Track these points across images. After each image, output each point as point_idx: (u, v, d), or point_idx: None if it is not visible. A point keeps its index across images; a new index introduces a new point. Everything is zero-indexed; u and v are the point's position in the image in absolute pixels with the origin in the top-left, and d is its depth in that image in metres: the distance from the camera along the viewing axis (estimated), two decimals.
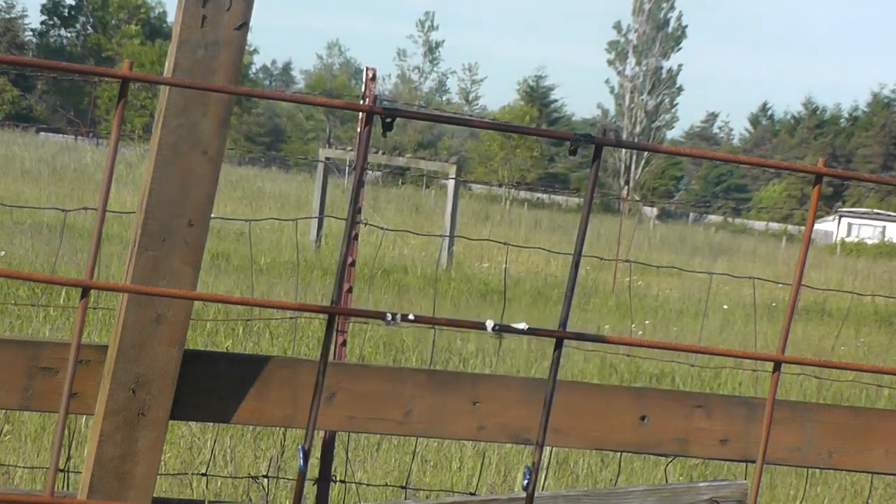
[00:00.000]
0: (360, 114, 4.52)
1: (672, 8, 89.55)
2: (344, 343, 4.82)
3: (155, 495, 2.90)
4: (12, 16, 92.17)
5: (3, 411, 6.38)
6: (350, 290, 5.02)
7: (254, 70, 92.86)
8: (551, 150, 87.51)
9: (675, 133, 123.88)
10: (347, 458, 6.09)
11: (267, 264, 17.41)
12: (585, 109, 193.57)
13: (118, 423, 2.79)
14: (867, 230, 75.89)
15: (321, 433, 4.44)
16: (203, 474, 5.72)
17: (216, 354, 3.05)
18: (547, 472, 7.08)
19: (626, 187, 34.75)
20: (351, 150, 23.36)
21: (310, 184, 35.63)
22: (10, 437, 6.73)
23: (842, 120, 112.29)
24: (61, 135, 56.32)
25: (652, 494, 3.41)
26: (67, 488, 4.54)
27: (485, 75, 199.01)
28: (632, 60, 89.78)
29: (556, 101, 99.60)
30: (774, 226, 76.56)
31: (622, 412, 3.19)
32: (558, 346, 0.99)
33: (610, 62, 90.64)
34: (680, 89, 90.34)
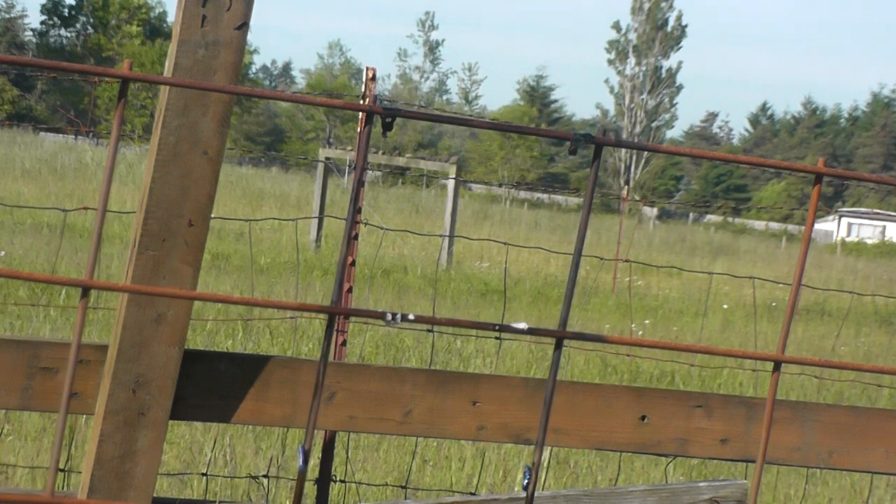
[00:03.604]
0: (360, 114, 4.52)
1: (671, 7, 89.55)
2: (344, 343, 4.82)
3: (155, 495, 2.90)
4: (12, 16, 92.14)
5: (4, 411, 6.39)
6: (350, 290, 5.02)
7: (254, 70, 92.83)
8: (551, 150, 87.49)
9: (674, 133, 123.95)
10: (347, 458, 6.09)
11: (267, 264, 17.41)
12: (585, 109, 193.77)
13: (118, 423, 2.79)
14: (867, 230, 75.93)
15: (321, 433, 4.44)
16: (203, 474, 5.72)
17: (216, 354, 3.05)
18: (547, 472, 7.08)
19: (626, 187, 34.73)
20: (351, 150, 23.36)
21: (310, 184, 35.63)
22: (11, 437, 6.73)
23: (842, 120, 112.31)
24: (61, 135, 56.30)
25: (652, 494, 3.41)
26: (67, 488, 4.55)
27: (485, 75, 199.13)
28: (631, 60, 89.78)
29: (556, 101, 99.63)
30: (774, 226, 76.56)
31: (622, 412, 3.19)
32: (558, 345, 0.99)
33: (610, 62, 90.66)
34: (679, 87, 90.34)
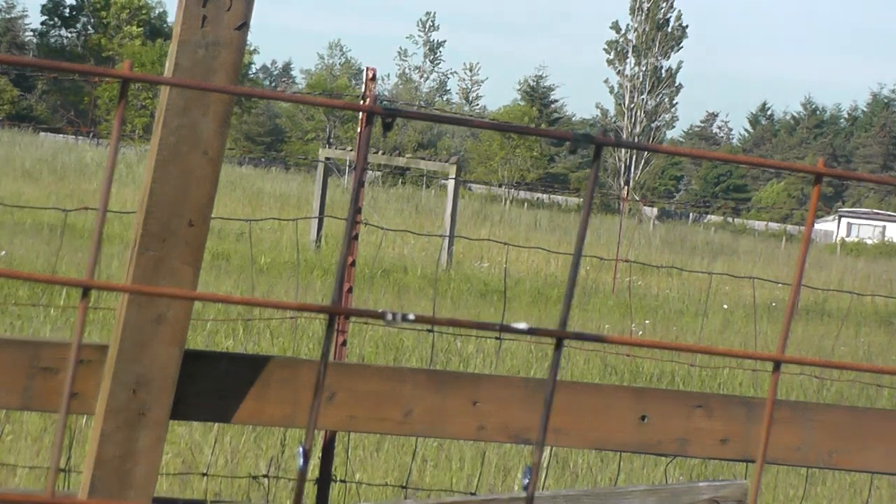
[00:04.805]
0: (360, 114, 4.52)
1: (671, 7, 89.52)
2: (344, 343, 4.82)
3: (155, 495, 2.90)
4: (12, 16, 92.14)
5: (4, 411, 6.39)
6: (350, 290, 5.03)
7: (254, 70, 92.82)
8: (551, 150, 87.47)
9: (674, 133, 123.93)
10: (347, 458, 6.09)
11: (267, 264, 17.41)
12: (585, 109, 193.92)
13: (118, 423, 2.79)
14: (867, 230, 75.94)
15: (321, 433, 4.44)
16: (203, 474, 5.72)
17: (216, 354, 3.05)
18: (547, 472, 7.08)
19: (626, 187, 34.70)
20: (351, 150, 23.35)
21: (310, 184, 35.63)
22: (11, 437, 6.73)
23: (841, 120, 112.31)
24: (61, 135, 56.32)
25: (652, 494, 3.41)
26: (67, 488, 4.55)
27: (486, 76, 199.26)
28: (631, 60, 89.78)
29: (556, 101, 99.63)
30: (774, 226, 76.57)
31: (622, 412, 3.19)
32: (558, 345, 0.99)
33: (609, 62, 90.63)
34: (679, 87, 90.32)
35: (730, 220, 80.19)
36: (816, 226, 76.14)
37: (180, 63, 2.69)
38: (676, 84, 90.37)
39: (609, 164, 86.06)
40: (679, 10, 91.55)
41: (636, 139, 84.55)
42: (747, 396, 3.33)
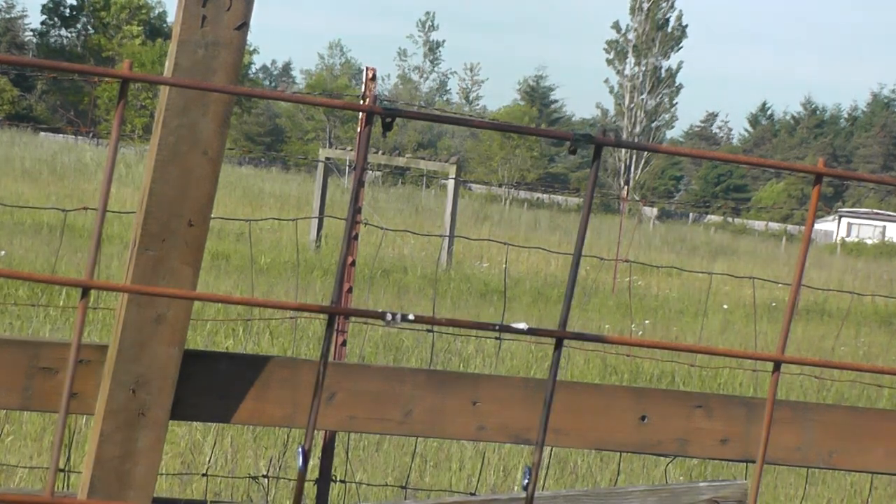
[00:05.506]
0: (360, 114, 4.52)
1: (672, 7, 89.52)
2: (344, 343, 4.82)
3: (155, 495, 2.90)
4: (12, 16, 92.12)
5: (4, 411, 6.38)
6: (350, 290, 5.03)
7: (254, 70, 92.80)
8: (551, 150, 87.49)
9: (674, 133, 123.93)
10: (347, 458, 6.09)
11: (267, 264, 17.40)
12: (585, 109, 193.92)
13: (118, 423, 2.79)
14: (867, 230, 75.93)
15: (321, 433, 4.44)
16: (203, 474, 5.71)
17: (216, 354, 3.05)
18: (547, 472, 7.08)
19: (626, 187, 34.70)
20: (351, 150, 23.35)
21: (310, 184, 35.62)
22: (11, 437, 6.73)
23: (841, 120, 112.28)
24: (61, 135, 56.31)
25: (652, 494, 3.41)
26: (67, 488, 4.54)
27: (486, 76, 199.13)
28: (631, 60, 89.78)
29: (556, 101, 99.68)
30: (774, 226, 76.57)
31: (622, 412, 3.19)
32: (558, 345, 0.99)
33: (609, 62, 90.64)
34: (679, 87, 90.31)
35: (730, 220, 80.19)
36: (816, 226, 76.13)
37: (180, 63, 2.69)
38: (676, 84, 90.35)
39: (609, 164, 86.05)
40: (679, 10, 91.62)
41: (636, 139, 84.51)
42: (747, 396, 3.33)
